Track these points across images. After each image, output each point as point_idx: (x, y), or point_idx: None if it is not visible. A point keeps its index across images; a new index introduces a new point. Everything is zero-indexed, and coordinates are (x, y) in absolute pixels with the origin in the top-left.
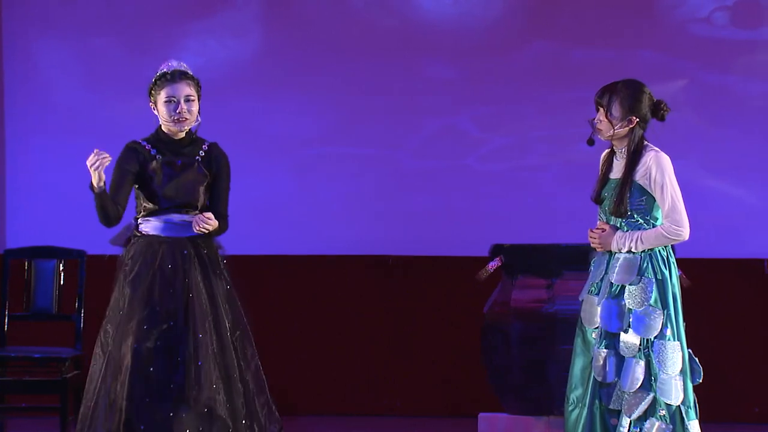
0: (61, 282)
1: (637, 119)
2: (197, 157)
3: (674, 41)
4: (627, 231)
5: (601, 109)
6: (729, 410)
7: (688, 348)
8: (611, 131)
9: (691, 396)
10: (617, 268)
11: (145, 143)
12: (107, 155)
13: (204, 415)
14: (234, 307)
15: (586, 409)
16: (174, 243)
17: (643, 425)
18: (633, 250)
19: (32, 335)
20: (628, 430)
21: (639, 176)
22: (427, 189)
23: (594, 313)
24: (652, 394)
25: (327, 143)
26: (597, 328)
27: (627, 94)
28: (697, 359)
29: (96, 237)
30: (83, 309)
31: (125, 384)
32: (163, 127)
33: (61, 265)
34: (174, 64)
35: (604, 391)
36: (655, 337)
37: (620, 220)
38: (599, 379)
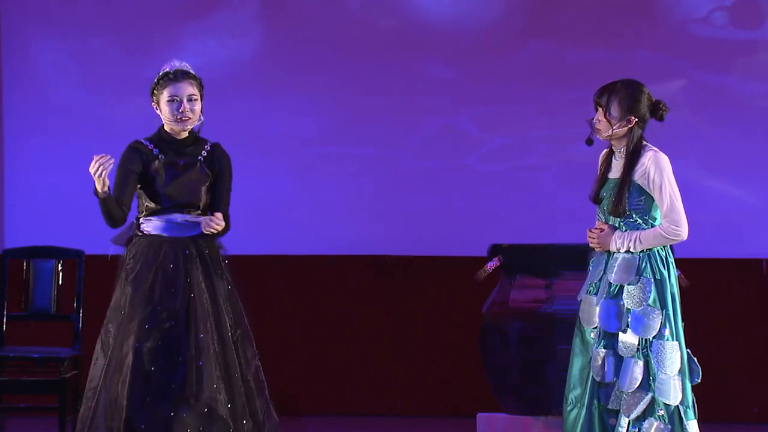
0: (60, 282)
1: (636, 119)
2: (200, 157)
3: (673, 41)
4: (626, 231)
5: (600, 109)
6: (727, 410)
7: (686, 348)
8: (610, 131)
9: (690, 396)
10: (616, 268)
11: (147, 143)
12: (109, 158)
13: (204, 415)
14: (235, 307)
15: (584, 409)
16: (176, 243)
17: (642, 425)
18: (632, 250)
19: (31, 335)
20: (627, 430)
21: (638, 176)
22: (427, 189)
23: (592, 313)
24: (650, 394)
25: (327, 143)
26: (595, 328)
27: (626, 94)
28: (695, 359)
29: (95, 237)
30: (82, 309)
31: (126, 383)
32: (165, 127)
33: (59, 265)
34: (177, 64)
35: (602, 390)
36: (654, 337)
37: (619, 219)
38: (598, 379)
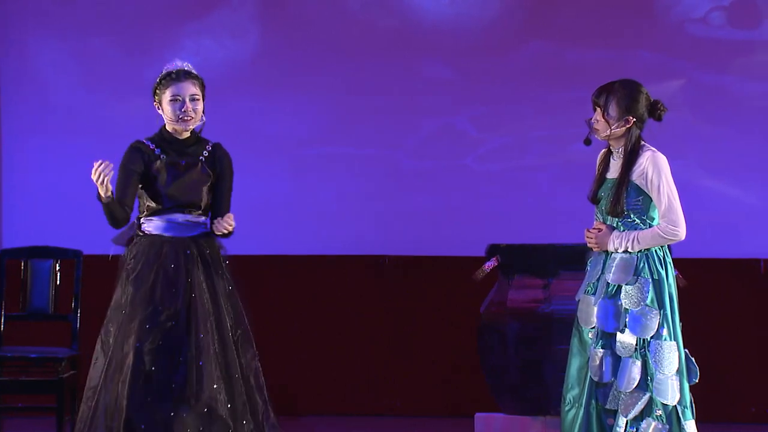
0: (58, 282)
1: (634, 119)
2: (201, 157)
3: (671, 41)
4: (623, 231)
5: (598, 109)
6: (725, 410)
7: (684, 348)
8: (608, 131)
9: (688, 396)
10: (614, 268)
11: (149, 143)
12: (108, 164)
13: (204, 415)
14: (236, 308)
15: (582, 409)
16: (177, 243)
17: (640, 425)
18: (629, 250)
19: (29, 335)
20: (625, 430)
21: (636, 176)
22: (426, 189)
23: (590, 313)
24: (648, 394)
25: (325, 143)
26: (593, 328)
27: (624, 94)
28: (693, 359)
29: (93, 237)
30: (80, 309)
31: (126, 383)
32: (167, 127)
33: (57, 265)
34: (179, 64)
35: (600, 391)
36: (652, 337)
37: (617, 219)
38: (596, 379)
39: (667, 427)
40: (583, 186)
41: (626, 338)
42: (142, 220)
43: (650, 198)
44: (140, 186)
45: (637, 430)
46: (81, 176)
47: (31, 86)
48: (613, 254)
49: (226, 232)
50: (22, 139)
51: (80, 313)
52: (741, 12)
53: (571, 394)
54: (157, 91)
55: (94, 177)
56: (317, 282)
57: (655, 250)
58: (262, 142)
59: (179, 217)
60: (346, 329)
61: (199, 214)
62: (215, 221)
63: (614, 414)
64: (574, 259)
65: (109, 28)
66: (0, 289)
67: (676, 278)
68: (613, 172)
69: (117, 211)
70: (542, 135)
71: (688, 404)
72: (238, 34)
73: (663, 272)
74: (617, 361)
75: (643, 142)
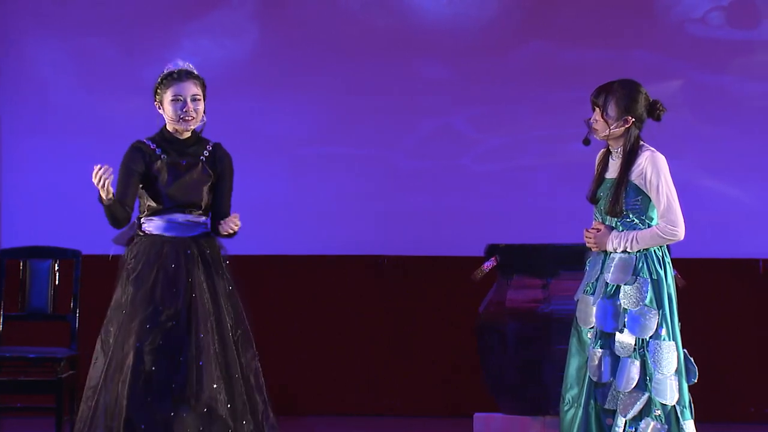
0: (57, 282)
1: (633, 119)
2: (202, 157)
3: (670, 41)
4: (622, 231)
5: (597, 109)
6: (724, 410)
7: (683, 348)
8: (607, 131)
9: (687, 396)
10: (612, 268)
11: (150, 143)
12: (108, 168)
13: (204, 415)
14: (236, 308)
15: (581, 409)
16: (177, 243)
17: (639, 425)
18: (628, 249)
19: (27, 335)
20: (624, 430)
21: (634, 176)
22: (424, 189)
23: (589, 313)
24: (647, 394)
25: (324, 143)
26: (592, 328)
27: (623, 94)
28: (692, 359)
29: (92, 237)
30: (79, 309)
31: (126, 383)
32: (168, 127)
33: (56, 265)
34: (180, 64)
35: (599, 391)
36: (651, 337)
37: (616, 219)
38: (594, 379)
39: (666, 427)
40: (582, 186)
41: (625, 338)
42: (142, 220)
43: (649, 198)
44: (141, 186)
45: (636, 430)
46: (80, 176)
47: (30, 86)
48: (612, 254)
49: (232, 232)
50: (22, 138)
51: (79, 313)
52: (740, 12)
53: (570, 394)
54: (158, 90)
55: (95, 181)
56: (317, 282)
57: (654, 250)
58: (261, 142)
59: (180, 217)
60: (346, 329)
61: (200, 214)
62: (222, 222)
63: (613, 414)
64: (573, 259)
65: (108, 28)
66: None
67: (675, 278)
68: (612, 172)
69: (118, 211)
70: (541, 135)
71: (687, 404)
72: (238, 34)
73: (662, 272)
74: (616, 361)
75: (642, 142)
